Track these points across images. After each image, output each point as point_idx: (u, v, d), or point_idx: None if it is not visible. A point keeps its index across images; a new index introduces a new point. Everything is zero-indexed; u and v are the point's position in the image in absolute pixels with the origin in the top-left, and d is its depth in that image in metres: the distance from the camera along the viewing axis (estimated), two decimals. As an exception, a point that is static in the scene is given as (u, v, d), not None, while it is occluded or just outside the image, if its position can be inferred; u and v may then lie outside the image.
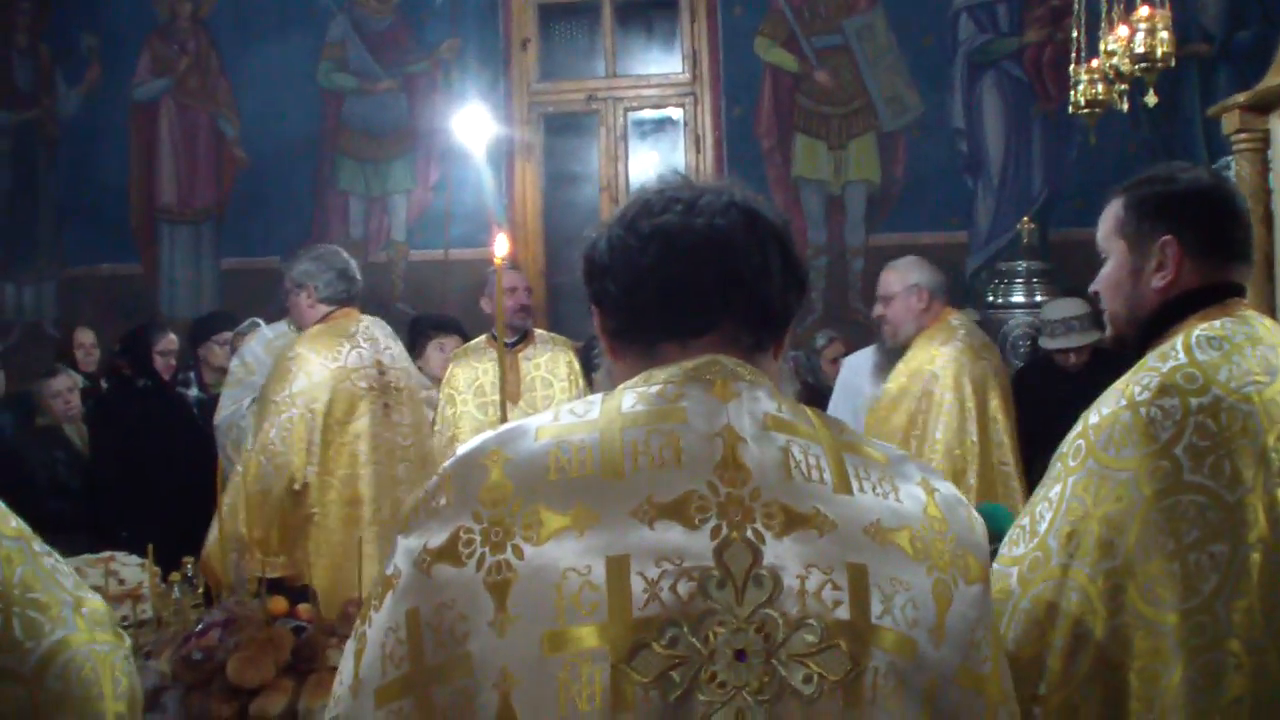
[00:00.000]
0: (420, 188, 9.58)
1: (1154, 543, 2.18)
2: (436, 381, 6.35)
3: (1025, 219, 8.43)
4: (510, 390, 5.93)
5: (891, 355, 6.19)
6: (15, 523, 1.71)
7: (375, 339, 5.32)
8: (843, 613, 1.41)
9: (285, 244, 9.38)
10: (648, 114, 9.61)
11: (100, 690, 1.70)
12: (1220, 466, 2.20)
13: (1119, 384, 2.36)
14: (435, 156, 9.54)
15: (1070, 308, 6.53)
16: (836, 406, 6.42)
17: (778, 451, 1.50)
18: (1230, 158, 5.07)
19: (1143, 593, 2.18)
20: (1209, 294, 2.43)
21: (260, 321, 7.04)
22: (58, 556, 1.78)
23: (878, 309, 5.74)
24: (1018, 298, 8.23)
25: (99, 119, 9.96)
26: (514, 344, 6.03)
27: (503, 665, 1.41)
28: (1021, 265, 8.29)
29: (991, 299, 8.36)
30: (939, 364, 5.38)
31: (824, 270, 9.17)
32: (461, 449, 1.60)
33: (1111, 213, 2.54)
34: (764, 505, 1.45)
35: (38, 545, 1.74)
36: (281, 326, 6.11)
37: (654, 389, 1.58)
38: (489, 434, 1.60)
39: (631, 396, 1.58)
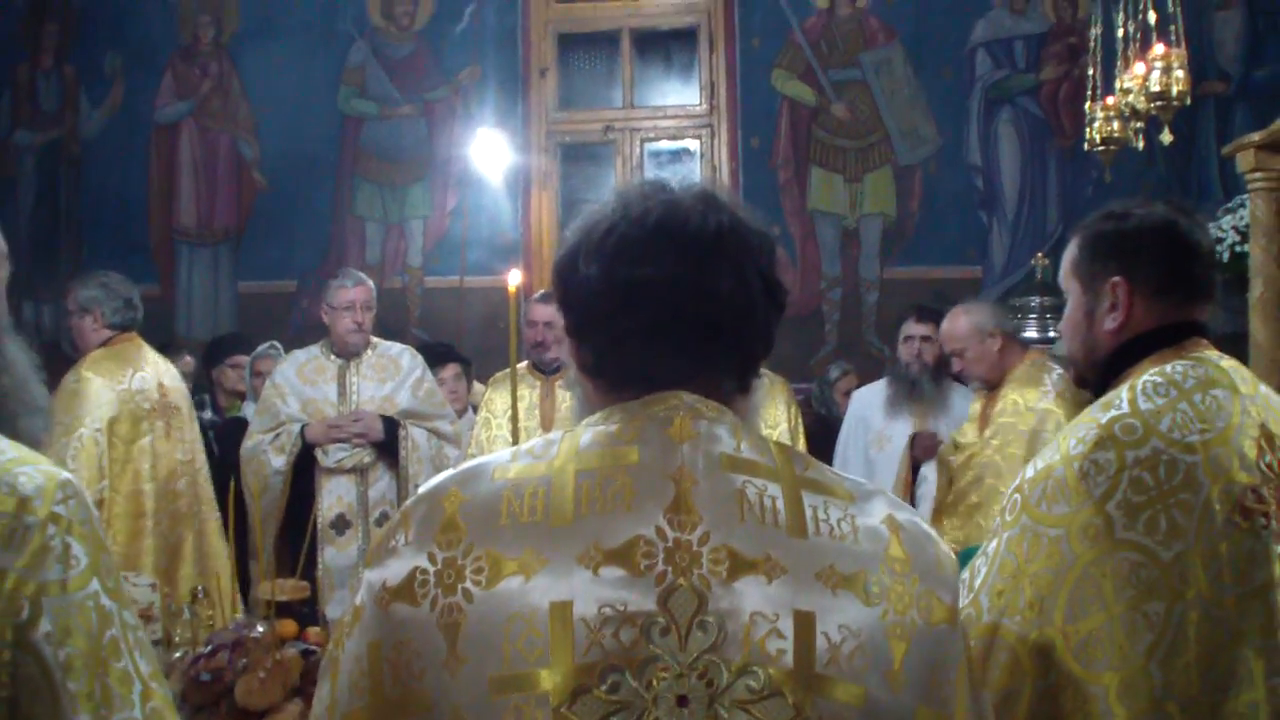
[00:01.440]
0: (437, 214, 9.60)
1: (1085, 602, 2.12)
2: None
3: (1040, 255, 8.41)
4: (545, 417, 5.98)
5: (903, 389, 6.21)
6: (116, 584, 1.72)
7: (156, 363, 5.75)
8: (787, 661, 1.40)
9: (303, 267, 9.48)
10: (664, 144, 9.64)
11: None
12: (1155, 522, 2.13)
13: (1059, 435, 2.32)
14: (453, 183, 9.56)
15: (1082, 344, 6.53)
16: (847, 441, 6.43)
17: (732, 493, 1.49)
18: (1245, 196, 5.08)
19: (1074, 653, 2.11)
20: (1164, 335, 2.38)
21: (278, 345, 7.09)
22: (142, 631, 1.78)
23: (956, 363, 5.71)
24: (1031, 333, 8.19)
25: (121, 140, 10.01)
26: (552, 372, 6.07)
27: (454, 705, 1.43)
28: (1035, 301, 8.27)
29: (1005, 334, 8.35)
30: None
31: (838, 303, 9.17)
32: (423, 487, 1.62)
33: (1069, 253, 2.51)
34: (712, 550, 1.44)
35: (129, 615, 1.74)
36: (315, 350, 6.16)
37: (612, 428, 1.57)
38: (450, 472, 1.61)
39: (589, 435, 1.57)
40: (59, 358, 9.51)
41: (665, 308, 1.59)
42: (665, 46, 9.70)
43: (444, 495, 1.55)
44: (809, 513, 1.49)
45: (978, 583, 2.24)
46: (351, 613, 1.56)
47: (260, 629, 3.78)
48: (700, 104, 9.46)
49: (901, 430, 6.21)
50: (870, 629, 1.43)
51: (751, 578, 1.43)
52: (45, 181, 10.13)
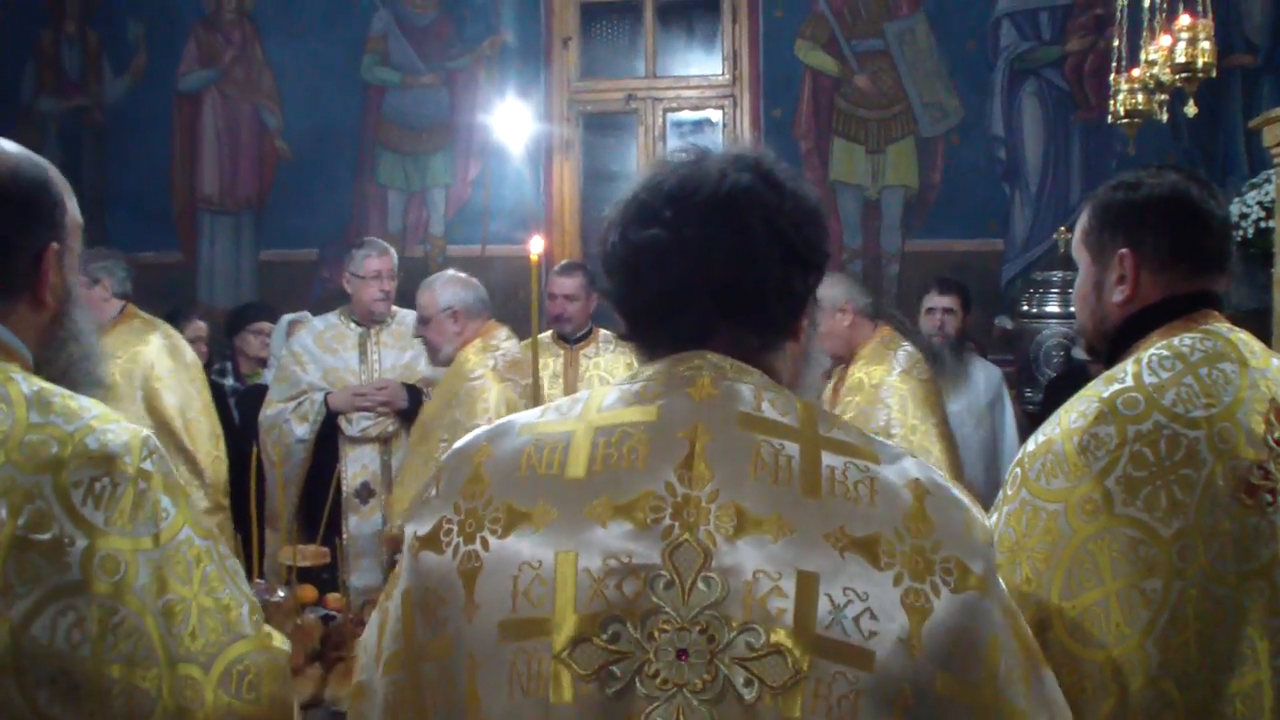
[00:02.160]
0: (459, 183, 9.61)
1: (1082, 578, 2.09)
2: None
3: (1062, 228, 8.35)
4: (568, 387, 6.01)
5: (941, 363, 6.18)
6: (206, 524, 1.77)
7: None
8: (787, 620, 1.42)
9: (324, 236, 9.49)
10: (686, 115, 9.60)
11: (259, 698, 1.75)
12: (1155, 498, 2.10)
13: (1061, 408, 2.28)
14: (475, 152, 9.56)
15: (1103, 319, 6.50)
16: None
17: (746, 451, 1.52)
18: (1271, 171, 5.05)
19: (1069, 629, 2.08)
20: (1174, 306, 2.33)
21: (309, 315, 7.12)
22: (234, 558, 1.83)
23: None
24: (1052, 307, 8.19)
25: (144, 108, 10.02)
26: (577, 341, 6.07)
27: (469, 649, 1.49)
28: (1057, 275, 8.24)
29: (1026, 308, 8.31)
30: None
31: (859, 275, 9.15)
32: (458, 443, 1.69)
33: (1080, 222, 2.48)
34: (720, 507, 1.47)
35: (223, 547, 1.80)
36: (332, 318, 6.18)
37: (636, 387, 1.62)
38: (483, 429, 1.69)
39: (614, 394, 1.62)
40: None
41: (672, 267, 1.63)
42: (688, 16, 9.66)
43: (474, 450, 1.63)
44: (825, 473, 1.51)
45: None
46: (399, 565, 1.65)
47: (281, 594, 3.81)
48: (723, 74, 9.42)
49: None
50: (880, 593, 1.44)
51: (757, 536, 1.46)
52: (68, 149, 10.14)
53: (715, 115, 9.51)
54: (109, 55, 10.11)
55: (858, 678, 1.41)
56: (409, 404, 5.88)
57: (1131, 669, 2.05)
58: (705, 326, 1.65)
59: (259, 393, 6.52)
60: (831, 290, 5.19)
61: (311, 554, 4.41)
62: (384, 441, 5.94)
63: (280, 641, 1.87)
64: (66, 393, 1.75)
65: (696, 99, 9.54)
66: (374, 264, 5.99)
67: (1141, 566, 2.07)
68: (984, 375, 6.44)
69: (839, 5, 9.21)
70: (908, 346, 5.32)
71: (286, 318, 7.38)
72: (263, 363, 7.49)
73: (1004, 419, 6.43)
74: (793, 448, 1.53)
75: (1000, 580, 1.57)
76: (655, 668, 1.41)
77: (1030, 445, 2.25)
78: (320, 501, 5.13)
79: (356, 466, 5.93)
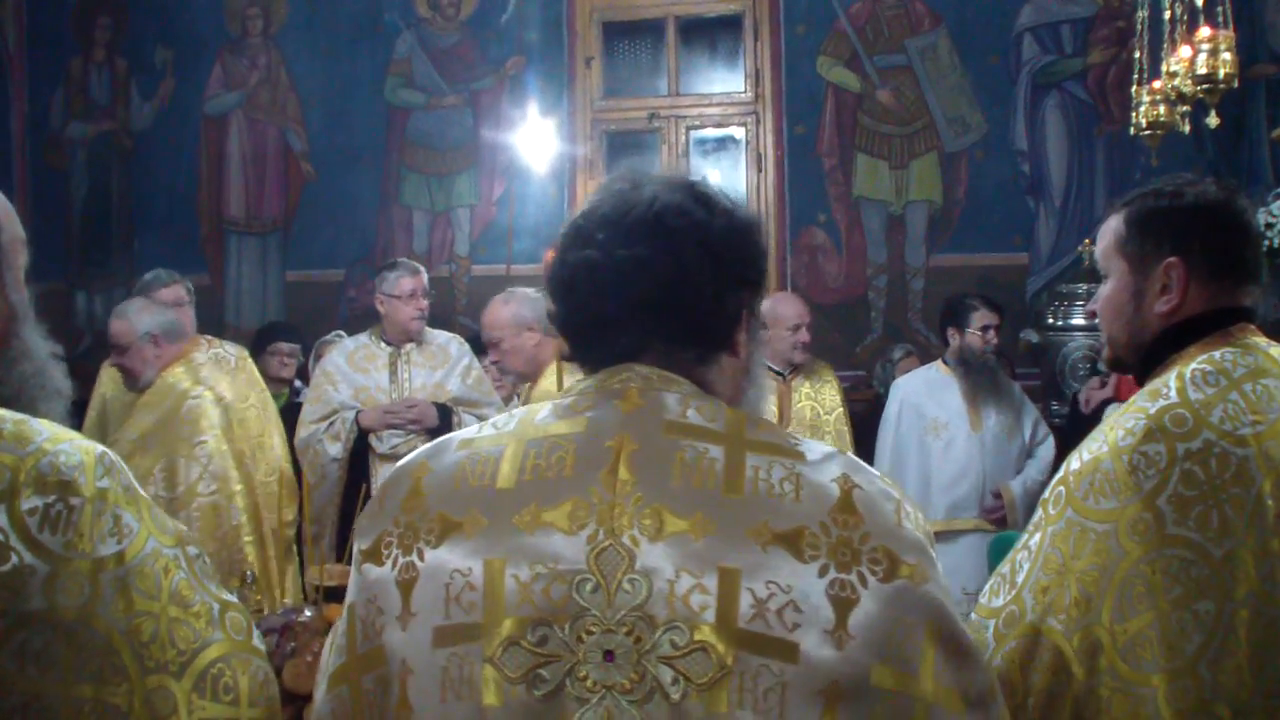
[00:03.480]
0: (484, 203, 9.64)
1: (1134, 601, 2.02)
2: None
3: (1087, 241, 8.30)
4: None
5: (986, 379, 6.17)
6: (172, 529, 1.77)
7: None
8: (709, 616, 1.43)
9: (350, 257, 9.54)
10: (710, 132, 9.62)
11: (237, 697, 1.75)
12: (1207, 518, 2.03)
13: (1105, 425, 2.22)
14: (499, 172, 9.59)
15: (1130, 331, 6.48)
16: (897, 428, 6.41)
17: (669, 456, 1.54)
18: (1297, 182, 5.04)
19: (1122, 653, 2.01)
20: (1214, 320, 2.26)
21: (342, 333, 7.15)
22: (205, 557, 1.82)
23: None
24: (1078, 320, 8.15)
25: (171, 132, 10.11)
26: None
27: (403, 657, 1.52)
28: (1082, 288, 8.18)
29: (1051, 320, 8.28)
30: None
31: (884, 290, 9.15)
32: (400, 461, 1.73)
33: (1111, 228, 2.38)
34: (643, 510, 1.50)
35: (191, 548, 1.79)
36: (363, 338, 6.22)
37: (567, 401, 1.66)
38: (424, 447, 1.72)
39: (548, 409, 1.66)
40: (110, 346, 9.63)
41: (601, 285, 1.66)
42: (710, 34, 9.67)
43: (414, 467, 1.68)
44: (749, 472, 1.54)
45: (1020, 578, 2.15)
46: None
47: (308, 613, 3.83)
48: (745, 91, 9.43)
49: (961, 419, 6.21)
50: (805, 585, 1.46)
51: (679, 536, 1.48)
52: (97, 174, 10.24)
53: (738, 133, 9.51)
54: (137, 81, 10.20)
55: (783, 670, 1.42)
56: (439, 422, 5.90)
57: (1185, 693, 1.99)
58: (638, 343, 1.68)
59: (292, 412, 6.54)
60: (519, 310, 5.23)
61: (339, 573, 4.41)
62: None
63: (253, 638, 1.85)
64: (18, 416, 1.70)
65: (719, 116, 9.55)
66: (408, 284, 6.03)
67: (1194, 588, 2.01)
68: (1016, 389, 6.46)
69: (860, 21, 9.23)
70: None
71: (320, 340, 7.42)
72: (284, 383, 7.51)
73: (1037, 431, 6.43)
74: (716, 450, 1.55)
75: (939, 572, 1.56)
76: (584, 670, 1.43)
77: (1074, 463, 2.19)
78: (349, 520, 5.17)
79: (387, 483, 5.94)
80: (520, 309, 5.27)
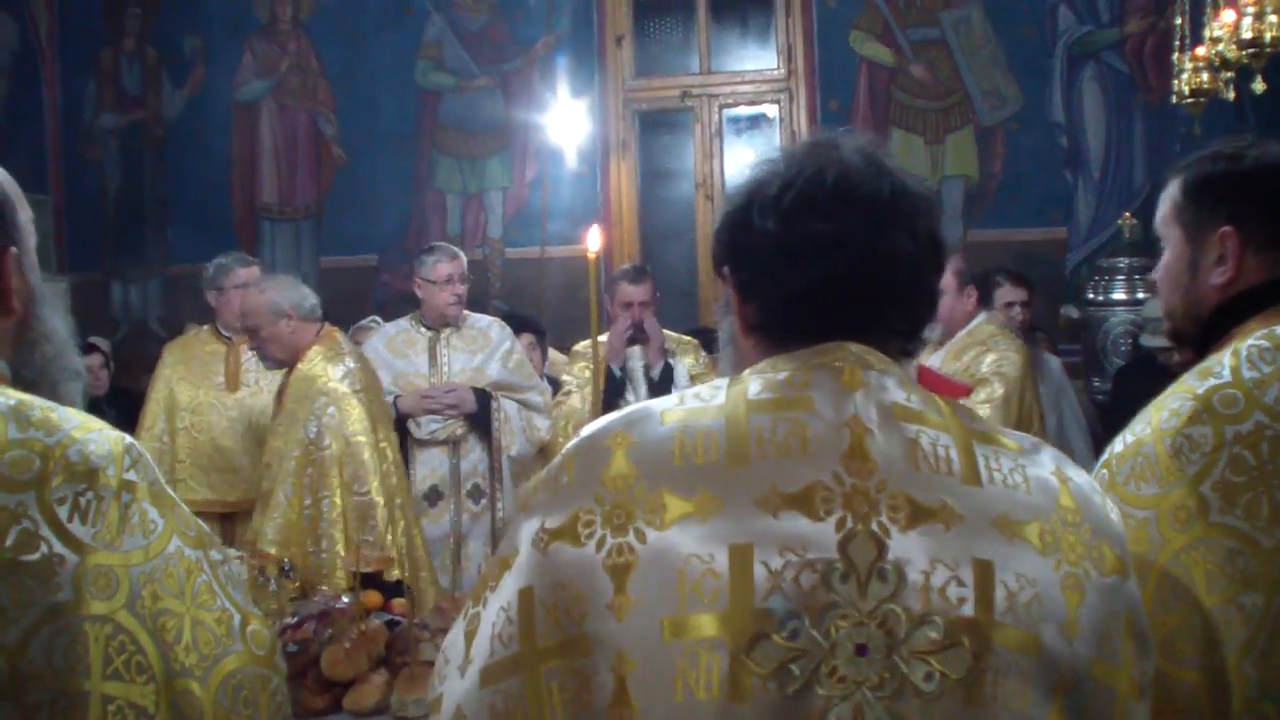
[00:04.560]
0: (516, 185, 9.63)
1: (1174, 592, 1.91)
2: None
3: (1127, 214, 8.27)
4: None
5: None
6: (195, 530, 1.73)
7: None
8: (967, 610, 1.38)
9: (383, 242, 9.54)
10: (743, 110, 9.58)
11: (257, 713, 1.72)
12: (1256, 506, 1.89)
13: (1152, 405, 2.09)
14: (531, 153, 9.59)
15: (1172, 305, 6.40)
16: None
17: (905, 442, 1.48)
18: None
19: (1162, 647, 1.83)
20: (1275, 291, 2.11)
21: (378, 319, 7.15)
22: (231, 563, 1.79)
23: None
24: (1119, 294, 8.09)
25: (202, 120, 10.14)
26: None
27: (619, 649, 1.40)
28: (1123, 261, 8.13)
29: (1092, 295, 8.22)
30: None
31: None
32: (586, 430, 1.60)
33: (1169, 195, 2.24)
34: (890, 497, 1.43)
35: (214, 553, 1.75)
36: (404, 323, 6.21)
37: (781, 376, 1.56)
38: (614, 416, 1.60)
39: (758, 383, 1.56)
40: (147, 335, 9.69)
41: (843, 265, 1.58)
42: (741, 10, 9.64)
43: (609, 437, 1.55)
44: (981, 462, 1.49)
45: None
46: (497, 564, 1.56)
47: (345, 600, 3.81)
48: (778, 68, 9.39)
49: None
50: (1045, 578, 1.42)
51: (929, 525, 1.42)
52: (130, 163, 10.28)
53: (771, 110, 9.47)
54: (167, 70, 10.23)
55: (1029, 664, 1.39)
56: (477, 407, 5.88)
57: (1227, 690, 1.88)
58: (861, 326, 1.61)
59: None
60: (275, 298, 5.22)
61: (374, 559, 4.41)
62: (453, 444, 5.94)
63: (275, 655, 1.82)
64: (47, 404, 1.69)
65: (752, 94, 9.52)
66: (445, 269, 6.00)
67: (1239, 580, 1.89)
68: (1053, 364, 6.39)
69: (893, -6, 9.17)
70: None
71: (355, 326, 7.43)
72: (324, 368, 7.51)
73: (1069, 407, 6.36)
74: (946, 439, 1.50)
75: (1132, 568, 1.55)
76: (833, 664, 1.36)
77: (1118, 445, 2.08)
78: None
79: (425, 469, 5.93)
80: (275, 297, 5.25)
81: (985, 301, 6.22)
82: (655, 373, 6.01)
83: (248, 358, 6.15)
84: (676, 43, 9.71)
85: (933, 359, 5.45)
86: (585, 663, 1.42)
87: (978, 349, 5.46)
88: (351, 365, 5.36)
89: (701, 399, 1.57)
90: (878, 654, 1.36)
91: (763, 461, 1.46)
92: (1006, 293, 6.23)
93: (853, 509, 1.42)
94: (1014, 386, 5.33)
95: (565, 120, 9.36)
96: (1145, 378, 6.51)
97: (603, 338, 5.89)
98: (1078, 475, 1.55)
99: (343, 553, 4.99)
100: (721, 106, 9.46)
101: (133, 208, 10.23)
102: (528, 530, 1.52)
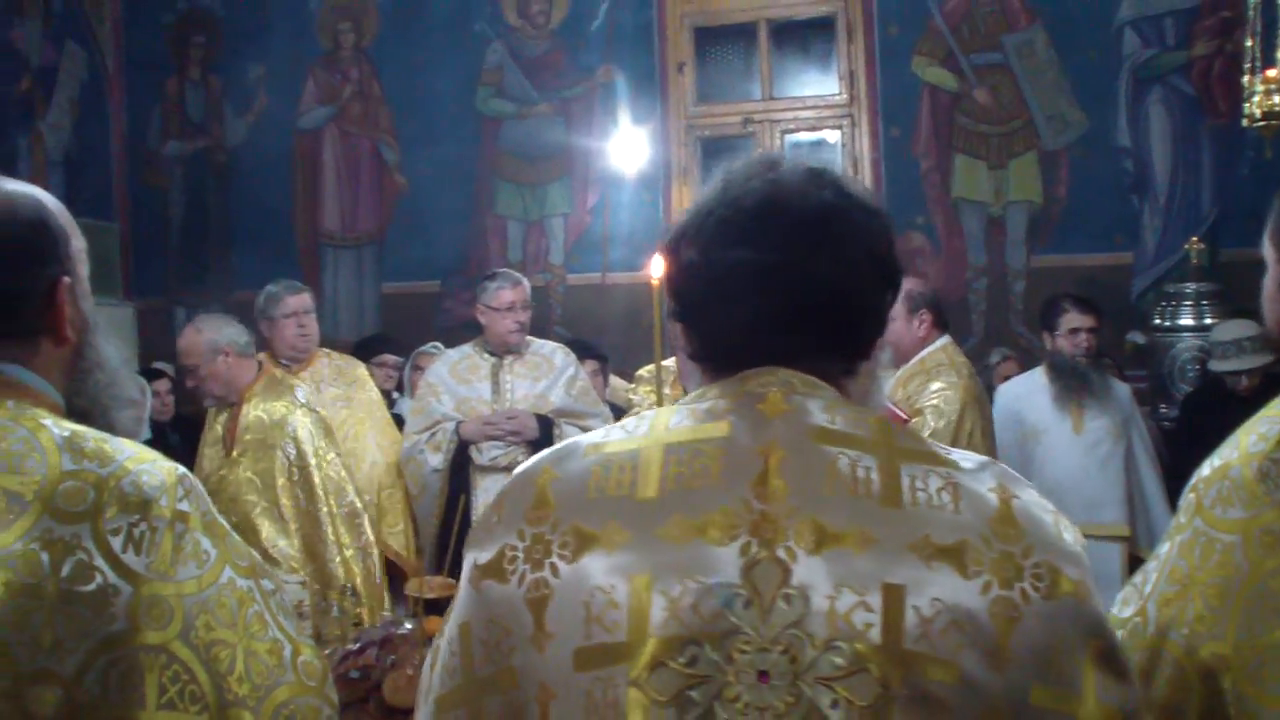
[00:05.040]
0: (578, 211, 9.66)
1: (1261, 618, 1.84)
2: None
3: (1194, 239, 8.16)
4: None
5: (1074, 383, 6.07)
6: (248, 560, 1.75)
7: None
8: (874, 636, 1.35)
9: (445, 267, 9.58)
10: (804, 136, 9.55)
11: None
12: None
13: (1241, 429, 2.03)
14: (592, 180, 9.62)
15: (1240, 329, 6.32)
16: (1004, 439, 6.28)
17: (822, 466, 1.45)
18: None
19: (1248, 674, 1.83)
20: None
21: (439, 345, 7.17)
22: (283, 592, 1.81)
23: None
24: (1186, 320, 7.98)
25: (265, 147, 10.26)
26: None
27: (541, 680, 1.43)
28: (1190, 287, 8.03)
29: (1158, 321, 8.11)
30: None
31: (984, 293, 9.01)
32: (520, 467, 1.63)
33: (1271, 214, 2.18)
34: (798, 522, 1.41)
35: (266, 582, 1.77)
36: (468, 349, 6.22)
37: (704, 405, 1.56)
38: (548, 451, 1.63)
39: (682, 413, 1.56)
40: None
41: (762, 291, 1.56)
42: (803, 37, 9.62)
43: (537, 474, 1.57)
44: (905, 482, 1.44)
45: (1147, 589, 2.02)
46: (456, 599, 1.59)
47: (408, 626, 3.80)
48: (839, 94, 9.36)
49: (1062, 423, 6.07)
50: (967, 602, 1.37)
51: (839, 550, 1.39)
52: (194, 190, 10.42)
53: (833, 136, 9.44)
54: (230, 98, 10.36)
55: (947, 693, 1.34)
56: (540, 434, 5.87)
57: None
58: (791, 351, 1.58)
59: (399, 424, 6.57)
60: (212, 336, 5.22)
61: (439, 585, 4.40)
62: (514, 471, 5.94)
63: (326, 685, 1.81)
64: (100, 435, 1.71)
65: (814, 120, 9.49)
66: (507, 295, 6.00)
67: None
68: (1121, 391, 6.30)
69: (955, 20, 9.11)
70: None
71: (417, 351, 7.45)
72: (387, 395, 7.54)
73: (1138, 435, 6.27)
74: (869, 459, 1.46)
75: (1096, 590, 1.47)
76: (736, 690, 1.35)
77: (1205, 470, 2.02)
78: (449, 532, 5.15)
79: (486, 495, 5.91)
80: (212, 335, 5.25)
81: (1050, 328, 6.17)
82: None
83: (307, 386, 6.16)
84: (738, 69, 9.70)
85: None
86: (517, 694, 1.46)
87: (923, 377, 5.38)
88: (302, 389, 5.45)
89: (626, 430, 1.58)
90: (781, 680, 1.35)
91: (672, 493, 1.46)
92: (1072, 319, 6.15)
93: (758, 534, 1.41)
94: (948, 421, 5.21)
95: (627, 147, 9.39)
96: (1213, 403, 6.47)
97: (669, 362, 5.87)
98: (1026, 494, 1.48)
99: (350, 556, 5.15)
100: (783, 132, 9.44)
101: (197, 234, 10.35)
102: (465, 567, 1.56)
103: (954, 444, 4.94)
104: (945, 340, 5.63)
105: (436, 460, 5.95)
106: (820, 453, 1.47)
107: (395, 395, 7.58)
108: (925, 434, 5.03)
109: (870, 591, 1.36)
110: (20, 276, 1.79)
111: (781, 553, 1.39)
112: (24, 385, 1.77)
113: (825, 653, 1.35)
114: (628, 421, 1.61)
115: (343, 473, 5.29)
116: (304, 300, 6.15)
